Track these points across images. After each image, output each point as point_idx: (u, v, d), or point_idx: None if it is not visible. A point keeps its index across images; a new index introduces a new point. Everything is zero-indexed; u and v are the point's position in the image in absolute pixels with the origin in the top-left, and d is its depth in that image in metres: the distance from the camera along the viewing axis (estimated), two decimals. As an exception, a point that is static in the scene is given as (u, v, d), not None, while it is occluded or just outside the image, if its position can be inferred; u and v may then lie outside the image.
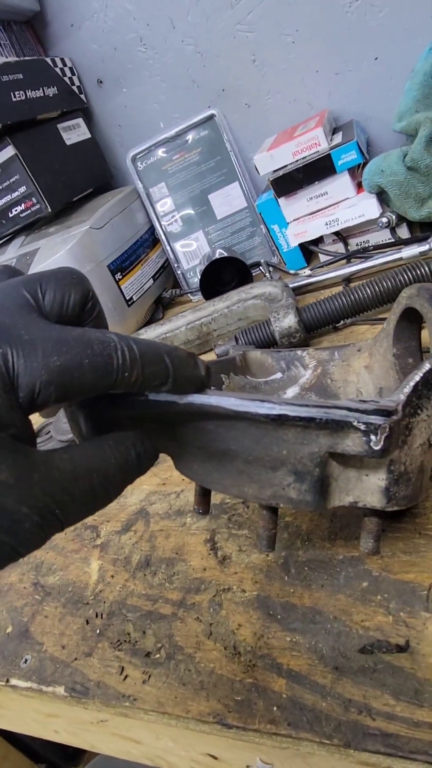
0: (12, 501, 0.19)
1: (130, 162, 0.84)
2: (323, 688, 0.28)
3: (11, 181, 0.76)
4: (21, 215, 0.80)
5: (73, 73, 0.83)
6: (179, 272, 0.89)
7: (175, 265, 0.88)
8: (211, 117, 0.81)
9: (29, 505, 0.19)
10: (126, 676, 0.35)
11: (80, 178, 0.83)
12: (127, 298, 0.80)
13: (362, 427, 0.24)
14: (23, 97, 0.72)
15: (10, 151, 0.73)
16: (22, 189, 0.77)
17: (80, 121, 0.85)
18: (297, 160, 0.70)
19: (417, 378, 0.27)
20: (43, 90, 0.76)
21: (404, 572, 0.31)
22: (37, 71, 0.75)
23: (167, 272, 0.89)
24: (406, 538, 0.33)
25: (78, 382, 0.21)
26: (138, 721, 0.35)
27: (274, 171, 0.71)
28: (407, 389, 0.26)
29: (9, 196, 0.79)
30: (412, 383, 0.26)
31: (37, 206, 0.77)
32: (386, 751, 0.25)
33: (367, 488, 0.27)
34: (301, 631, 0.31)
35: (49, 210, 0.77)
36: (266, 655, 0.31)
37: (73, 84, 0.83)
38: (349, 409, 0.24)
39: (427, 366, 0.28)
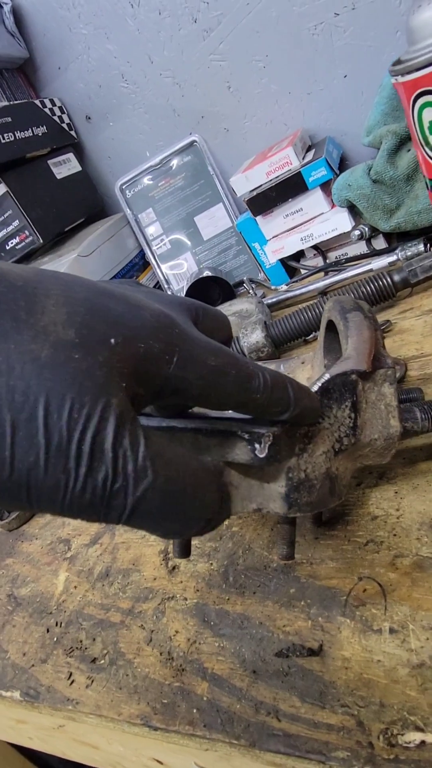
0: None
1: (119, 190, 0.88)
2: (240, 691, 0.29)
3: (6, 216, 0.81)
4: (17, 247, 0.84)
5: (62, 112, 0.88)
6: (170, 293, 0.92)
7: (166, 286, 0.91)
8: (192, 143, 0.84)
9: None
10: (72, 681, 0.36)
11: (71, 209, 0.88)
12: (118, 320, 0.83)
13: (246, 436, 0.25)
14: (12, 138, 0.77)
15: (1, 188, 0.78)
16: (16, 223, 0.81)
17: (71, 155, 0.89)
18: (270, 180, 0.72)
19: (315, 388, 0.28)
20: (32, 130, 0.81)
21: (329, 578, 0.32)
22: (26, 113, 0.80)
23: (159, 293, 0.92)
24: (335, 545, 0.34)
25: (222, 389, 0.22)
26: (87, 726, 0.37)
27: (250, 191, 0.73)
28: None
29: (5, 229, 0.83)
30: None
31: (30, 238, 0.82)
32: (286, 751, 0.26)
33: (269, 495, 0.28)
34: (228, 636, 0.32)
35: (41, 241, 0.81)
36: (195, 659, 0.32)
37: (62, 122, 0.88)
38: (233, 420, 0.26)
39: (326, 377, 0.29)
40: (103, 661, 0.36)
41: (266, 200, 0.72)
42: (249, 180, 0.73)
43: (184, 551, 0.31)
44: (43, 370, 0.16)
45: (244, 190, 0.73)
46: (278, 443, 0.25)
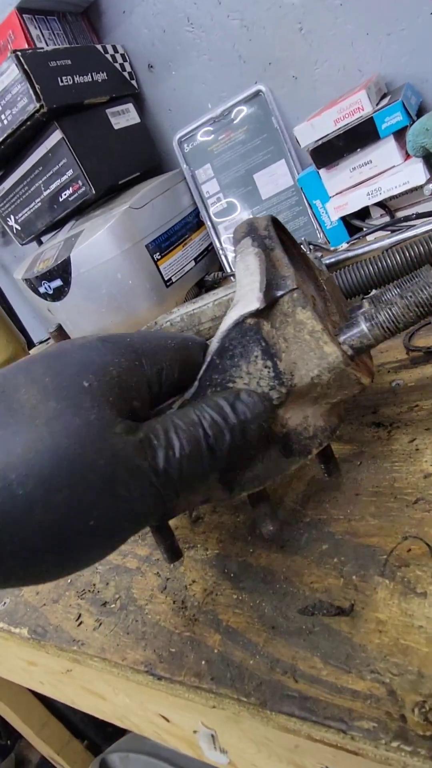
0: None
1: (177, 144, 0.84)
2: (255, 646, 0.26)
3: (60, 165, 0.80)
4: (69, 199, 0.83)
5: (124, 60, 0.86)
6: (223, 255, 0.88)
7: (219, 247, 0.88)
8: (257, 93, 0.79)
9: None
10: (81, 623, 0.34)
11: (127, 162, 0.85)
12: (166, 279, 0.80)
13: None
14: (71, 82, 0.75)
15: (57, 135, 0.77)
16: (69, 172, 0.80)
17: (130, 106, 0.87)
18: (338, 128, 0.66)
19: (207, 359, 0.26)
20: (92, 75, 0.79)
21: (368, 536, 0.28)
22: (87, 57, 0.78)
23: (211, 256, 0.89)
24: (379, 502, 0.30)
25: (190, 359, 0.24)
26: (93, 672, 0.34)
27: (315, 141, 0.68)
28: (199, 374, 0.26)
29: (58, 180, 0.82)
30: (201, 369, 0.26)
31: (83, 189, 0.80)
32: (301, 714, 0.22)
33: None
34: (249, 590, 0.29)
35: (94, 192, 0.79)
36: (210, 611, 0.29)
37: (124, 70, 0.85)
38: None
39: (217, 336, 0.26)
40: (113, 605, 0.34)
41: (332, 150, 0.67)
42: (315, 128, 0.67)
43: (174, 555, 0.29)
44: (58, 446, 0.19)
45: (308, 140, 0.68)
46: None
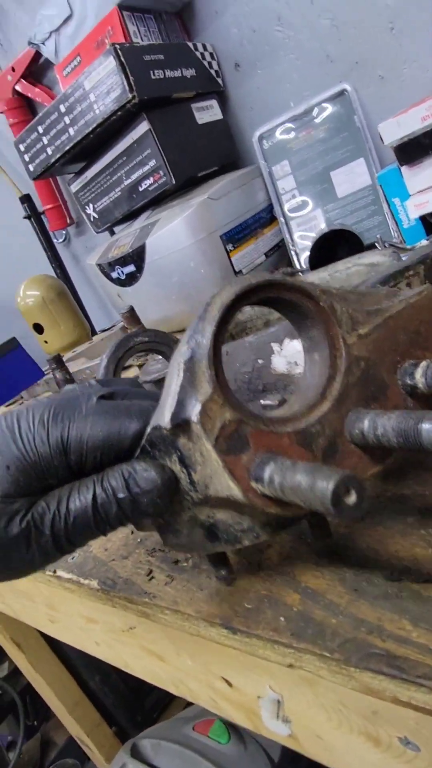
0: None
1: (256, 140, 0.85)
2: (337, 606, 0.26)
3: (144, 155, 0.83)
4: (149, 188, 0.86)
5: (213, 58, 0.88)
6: (294, 251, 0.88)
7: (291, 243, 0.88)
8: (342, 92, 0.79)
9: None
10: (152, 578, 0.35)
11: (207, 156, 0.87)
12: (236, 270, 0.81)
13: None
14: (162, 76, 0.78)
15: (144, 126, 0.79)
16: (152, 162, 0.82)
17: (214, 102, 0.89)
18: (426, 125, 0.65)
19: (142, 442, 0.26)
20: (182, 71, 0.81)
21: (459, 511, 0.27)
22: (178, 54, 0.81)
23: (282, 251, 0.89)
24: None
25: (118, 447, 0.26)
26: (159, 629, 0.35)
27: (400, 138, 0.67)
28: (137, 453, 0.26)
29: (141, 170, 0.85)
30: (138, 449, 0.26)
31: (164, 179, 0.82)
32: (390, 672, 0.21)
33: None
34: (328, 556, 0.29)
35: (173, 182, 0.82)
36: (287, 572, 0.29)
37: (211, 68, 0.88)
38: None
39: (147, 429, 0.26)
40: (185, 564, 0.34)
41: (418, 147, 0.66)
42: (400, 125, 0.67)
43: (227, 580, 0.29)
44: None
45: (393, 137, 0.68)
46: None
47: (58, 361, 0.77)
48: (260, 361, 0.45)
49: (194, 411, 0.23)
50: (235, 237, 0.80)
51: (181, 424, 0.24)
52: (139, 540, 0.39)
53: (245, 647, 0.27)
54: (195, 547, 0.27)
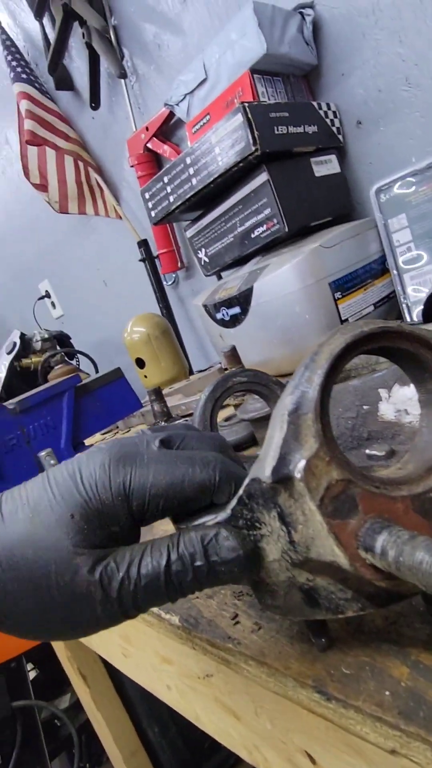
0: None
1: (374, 193, 0.85)
2: (457, 690, 0.22)
3: (260, 204, 0.85)
4: (261, 235, 0.88)
5: (335, 116, 0.90)
6: (405, 303, 0.85)
7: (402, 296, 0.85)
8: (468, 148, 0.77)
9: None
10: (237, 622, 0.32)
11: (321, 206, 0.88)
12: (343, 318, 0.80)
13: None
14: (284, 132, 0.81)
15: (263, 177, 0.82)
16: (267, 211, 0.85)
17: (333, 157, 0.90)
18: None
19: (240, 492, 0.24)
20: (304, 127, 0.84)
21: None
22: (302, 111, 0.84)
23: (392, 303, 0.86)
24: None
25: (181, 495, 0.25)
26: (239, 680, 0.32)
27: None
28: (233, 503, 0.25)
29: (255, 218, 0.87)
30: (235, 499, 0.25)
31: (277, 227, 0.84)
32: None
33: None
34: (445, 628, 0.25)
35: (287, 230, 0.83)
36: (394, 641, 0.26)
37: (333, 125, 0.90)
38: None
39: (246, 480, 0.24)
40: (278, 616, 0.31)
41: None
42: None
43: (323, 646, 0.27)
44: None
45: None
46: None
47: (157, 394, 0.79)
48: (366, 407, 0.42)
49: (298, 467, 0.22)
50: (345, 286, 0.79)
51: (282, 480, 0.22)
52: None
53: (339, 719, 0.24)
54: (292, 612, 0.25)
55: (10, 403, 0.76)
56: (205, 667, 0.36)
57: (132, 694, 1.07)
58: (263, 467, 0.23)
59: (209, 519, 0.26)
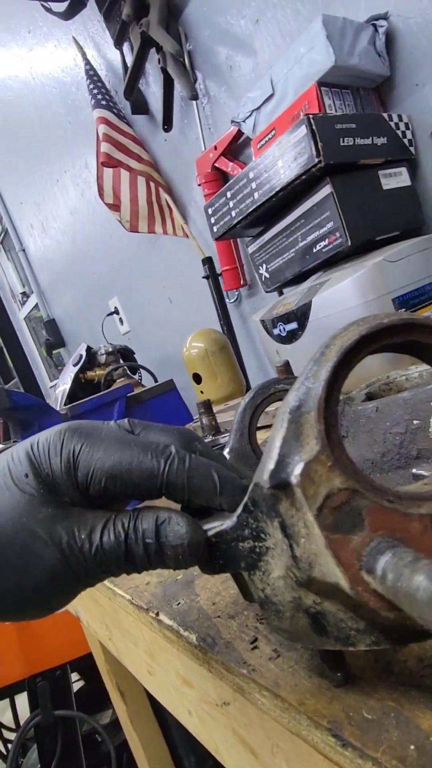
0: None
1: (446, 206, 0.80)
2: None
3: (322, 217, 0.83)
4: (323, 250, 0.85)
5: (407, 128, 0.87)
6: None
7: (474, 315, 0.79)
8: None
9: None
10: (255, 647, 0.29)
11: (388, 221, 0.84)
12: (407, 336, 0.75)
13: None
14: (351, 143, 0.78)
15: (327, 189, 0.80)
16: (330, 225, 0.82)
17: (403, 170, 0.87)
18: None
19: (245, 499, 0.22)
20: (372, 139, 0.82)
21: None
22: (370, 123, 0.81)
23: (462, 323, 0.80)
24: None
25: (126, 478, 0.25)
26: (255, 713, 0.29)
27: None
28: (239, 510, 0.23)
29: (317, 232, 0.85)
30: (241, 506, 0.23)
31: (339, 240, 0.81)
32: None
33: None
34: None
35: (349, 244, 0.80)
36: (428, 687, 0.22)
37: (404, 137, 0.86)
38: None
39: (250, 485, 0.22)
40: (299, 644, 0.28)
41: None
42: None
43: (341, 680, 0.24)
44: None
45: None
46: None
47: (206, 407, 0.77)
48: (416, 422, 0.38)
49: (294, 472, 0.19)
50: (410, 302, 0.75)
51: (281, 485, 0.20)
52: (249, 603, 0.35)
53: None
54: (299, 637, 0.23)
55: (63, 409, 0.78)
56: (222, 694, 0.33)
57: (169, 719, 1.03)
58: (263, 471, 0.21)
59: (215, 525, 0.24)
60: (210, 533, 0.24)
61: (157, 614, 0.38)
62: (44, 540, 0.24)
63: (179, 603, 0.38)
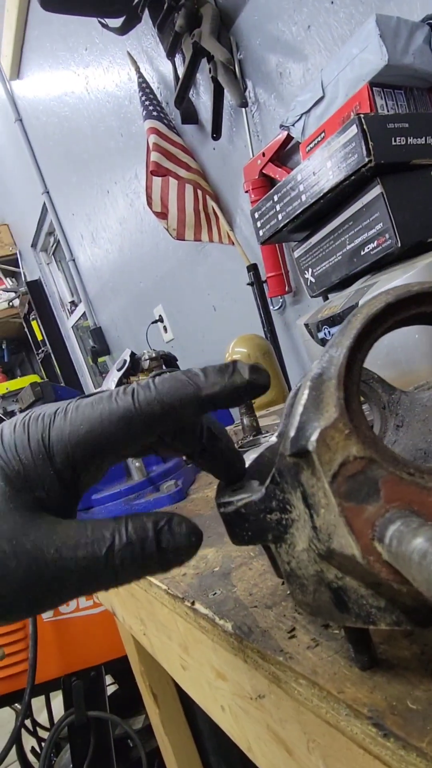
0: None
1: None
2: None
3: (371, 219, 0.81)
4: (372, 252, 0.83)
5: (461, 128, 0.84)
6: None
7: None
8: None
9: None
10: (293, 636, 0.28)
11: (441, 222, 0.82)
12: (458, 340, 0.72)
13: None
14: (403, 143, 0.77)
15: (377, 190, 0.79)
16: (379, 226, 0.80)
17: (457, 170, 0.84)
18: None
19: (273, 470, 0.22)
20: (426, 139, 0.80)
21: None
22: (424, 123, 0.80)
23: None
24: None
25: (106, 436, 0.23)
26: (291, 705, 0.28)
27: None
28: (267, 481, 0.23)
29: (365, 234, 0.84)
30: (269, 477, 0.22)
31: (389, 242, 0.79)
32: None
33: None
34: None
35: (399, 245, 0.78)
36: None
37: (458, 137, 0.84)
38: None
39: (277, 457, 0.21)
40: (338, 632, 0.27)
41: None
42: None
43: (367, 662, 0.23)
44: None
45: None
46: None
47: (248, 407, 0.77)
48: None
49: (311, 438, 0.19)
50: (461, 304, 0.72)
51: (300, 453, 0.19)
52: (288, 593, 0.34)
53: (396, 762, 0.19)
54: (321, 612, 0.22)
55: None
56: (257, 686, 0.32)
57: (202, 726, 1.02)
58: (286, 440, 0.20)
59: (245, 497, 0.23)
60: (239, 503, 0.24)
61: (193, 603, 0.38)
62: (9, 556, 0.22)
63: (215, 593, 0.38)
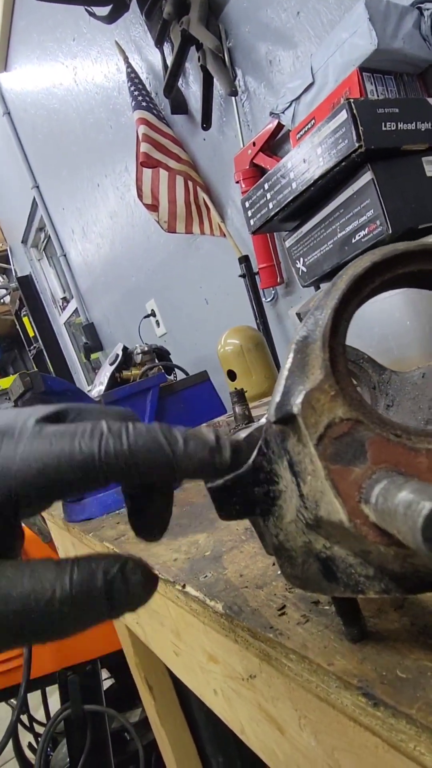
0: None
1: None
2: None
3: (362, 206, 0.81)
4: (363, 239, 0.83)
5: (451, 114, 0.84)
6: None
7: None
8: None
9: None
10: (283, 613, 0.28)
11: (431, 208, 0.82)
12: (449, 325, 0.72)
13: None
14: (393, 128, 0.77)
15: (368, 176, 0.78)
16: (370, 213, 0.80)
17: (448, 156, 0.84)
18: None
19: (260, 442, 0.22)
20: (416, 124, 0.79)
21: None
22: (414, 107, 0.79)
23: None
24: None
25: (57, 480, 0.20)
26: (282, 682, 0.28)
27: None
28: (254, 453, 0.22)
29: (356, 221, 0.83)
30: (256, 448, 0.22)
31: (379, 229, 0.79)
32: None
33: None
34: None
35: (390, 232, 0.78)
36: (470, 649, 0.20)
37: (449, 123, 0.84)
38: None
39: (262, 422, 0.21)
40: (327, 607, 0.27)
41: None
42: None
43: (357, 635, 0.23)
44: None
45: None
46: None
47: (240, 396, 0.76)
48: None
49: (296, 401, 0.18)
50: (453, 289, 0.72)
51: (285, 419, 0.19)
52: (279, 573, 0.33)
53: (386, 731, 0.19)
54: (310, 584, 0.22)
55: (96, 396, 0.78)
56: (248, 666, 0.32)
57: (197, 716, 1.02)
58: (271, 406, 0.20)
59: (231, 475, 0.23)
60: (226, 477, 0.23)
61: (184, 586, 0.38)
62: None
63: (206, 576, 0.37)
